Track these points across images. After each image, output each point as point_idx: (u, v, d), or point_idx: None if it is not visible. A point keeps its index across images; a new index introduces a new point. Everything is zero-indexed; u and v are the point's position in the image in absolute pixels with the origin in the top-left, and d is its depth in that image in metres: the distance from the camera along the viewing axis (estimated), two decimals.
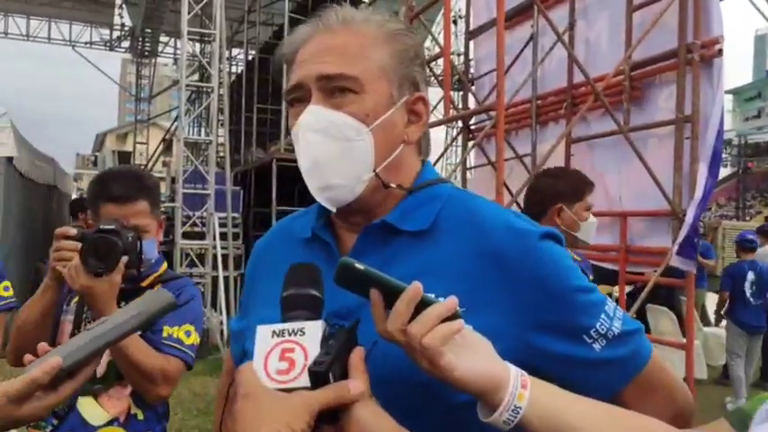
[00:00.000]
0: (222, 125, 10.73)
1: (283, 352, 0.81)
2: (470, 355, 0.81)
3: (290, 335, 0.82)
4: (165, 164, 17.20)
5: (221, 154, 12.12)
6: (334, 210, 1.03)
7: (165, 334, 1.83)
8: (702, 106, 4.71)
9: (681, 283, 5.08)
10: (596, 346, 0.98)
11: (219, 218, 9.29)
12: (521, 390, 0.82)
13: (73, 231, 1.73)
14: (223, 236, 9.26)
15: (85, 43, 18.97)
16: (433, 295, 0.83)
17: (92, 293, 1.67)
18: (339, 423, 0.79)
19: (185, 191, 9.20)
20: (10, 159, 8.34)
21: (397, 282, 0.83)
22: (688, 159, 4.74)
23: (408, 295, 0.80)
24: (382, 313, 0.82)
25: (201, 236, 9.27)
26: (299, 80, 1.01)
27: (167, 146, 17.06)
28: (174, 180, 10.80)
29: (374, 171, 1.00)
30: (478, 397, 0.82)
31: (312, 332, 0.82)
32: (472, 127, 6.79)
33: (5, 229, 8.22)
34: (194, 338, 1.89)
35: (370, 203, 1.03)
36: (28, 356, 1.02)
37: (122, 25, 18.75)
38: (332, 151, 0.99)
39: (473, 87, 7.14)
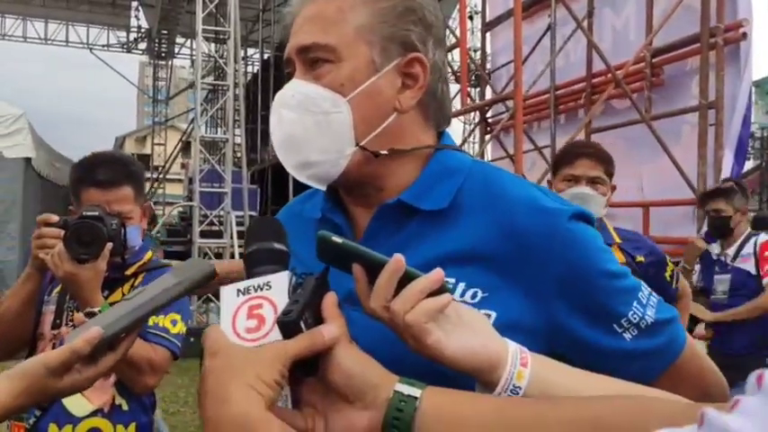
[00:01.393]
0: (239, 125, 10.73)
1: (251, 309, 0.75)
2: (463, 331, 0.74)
3: (255, 290, 0.76)
4: (182, 165, 17.31)
5: (238, 154, 12.16)
6: (323, 187, 0.96)
7: (150, 323, 1.78)
8: (727, 92, 4.59)
9: None
10: (627, 336, 0.89)
11: (237, 216, 9.29)
12: (520, 368, 0.74)
13: (55, 218, 1.68)
14: (241, 234, 9.26)
15: (103, 46, 19.14)
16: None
17: (76, 281, 1.63)
18: (320, 373, 0.73)
19: (202, 189, 9.21)
20: (29, 160, 8.41)
21: (379, 255, 0.75)
22: (712, 147, 4.62)
23: (389, 269, 0.73)
24: (366, 290, 0.75)
25: (219, 234, 9.28)
26: (286, 55, 0.96)
27: (184, 147, 17.16)
28: (191, 180, 10.84)
29: (357, 144, 0.92)
30: (474, 376, 0.75)
31: (279, 285, 0.76)
32: (489, 120, 6.71)
33: (25, 227, 8.28)
34: (180, 327, 1.85)
35: (366, 176, 0.95)
36: (64, 329, 0.98)
37: (139, 27, 18.91)
38: (307, 126, 0.91)
39: (490, 79, 7.06)
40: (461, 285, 0.86)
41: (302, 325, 0.71)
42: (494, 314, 0.84)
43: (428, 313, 0.72)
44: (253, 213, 10.35)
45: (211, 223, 9.38)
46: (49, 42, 18.92)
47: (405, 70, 0.94)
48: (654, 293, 0.93)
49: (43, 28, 18.68)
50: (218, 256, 9.28)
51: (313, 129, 0.91)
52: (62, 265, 1.63)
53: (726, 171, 4.48)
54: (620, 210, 4.60)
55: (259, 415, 0.66)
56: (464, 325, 0.75)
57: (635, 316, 0.89)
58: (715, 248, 3.86)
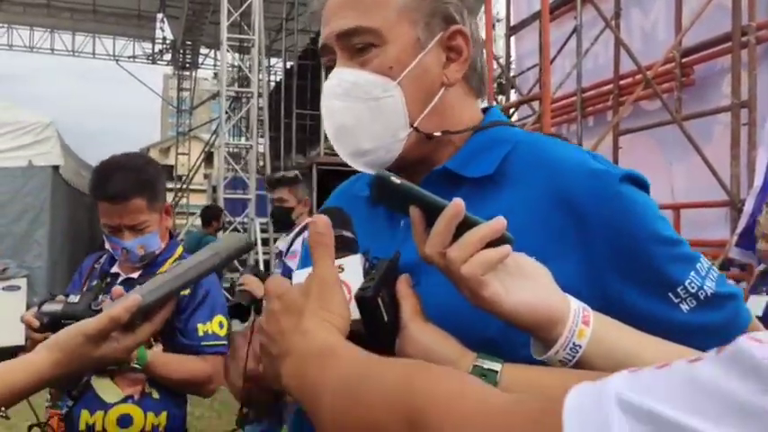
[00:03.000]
0: (262, 135, 10.80)
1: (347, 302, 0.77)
2: (523, 285, 0.71)
3: None
4: (206, 176, 17.45)
5: (261, 163, 12.23)
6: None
7: (200, 333, 1.87)
8: (760, 91, 4.49)
9: (742, 276, 4.84)
10: (684, 307, 0.84)
11: (260, 223, 9.32)
12: (582, 326, 0.71)
13: (36, 323, 1.57)
14: (264, 241, 9.29)
15: (128, 57, 19.41)
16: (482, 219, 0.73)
17: (89, 367, 1.65)
18: (398, 348, 0.75)
19: (226, 196, 9.27)
20: (56, 168, 8.51)
21: (438, 198, 0.73)
22: (746, 147, 4.53)
23: (449, 213, 0.70)
24: (423, 234, 0.73)
25: None
26: (323, 42, 0.95)
27: (207, 157, 17.31)
28: (214, 189, 10.92)
29: (412, 126, 0.91)
30: (532, 332, 0.72)
31: (351, 267, 0.79)
32: (515, 123, 6.66)
33: (53, 236, 8.38)
34: (227, 327, 1.94)
35: (420, 156, 0.94)
36: (106, 301, 0.99)
37: (164, 39, 19.15)
38: (359, 114, 0.90)
39: (516, 83, 7.01)
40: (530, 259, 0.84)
41: (379, 301, 0.73)
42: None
43: (485, 265, 0.69)
44: None
45: (235, 230, 9.43)
46: (76, 54, 19.25)
47: (448, 44, 0.93)
48: (714, 268, 0.87)
49: (71, 40, 19.01)
50: (242, 262, 9.31)
51: (365, 116, 0.90)
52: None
53: (760, 171, 4.37)
54: None
55: (339, 341, 0.68)
56: (525, 277, 0.72)
57: (692, 285, 0.83)
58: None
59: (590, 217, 0.84)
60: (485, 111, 1.01)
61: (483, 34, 5.85)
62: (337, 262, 0.78)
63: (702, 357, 0.40)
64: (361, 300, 0.73)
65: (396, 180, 0.74)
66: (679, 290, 0.83)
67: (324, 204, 1.15)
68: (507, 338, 0.77)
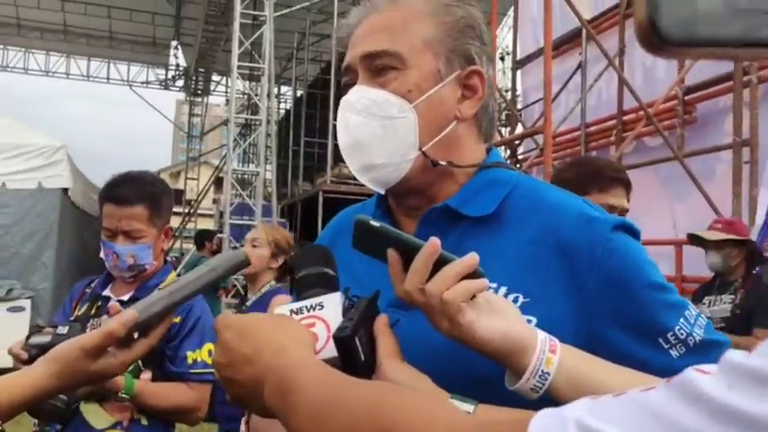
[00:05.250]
0: (269, 162, 10.90)
1: (305, 328, 0.80)
2: (495, 317, 0.76)
3: (308, 310, 0.82)
4: (214, 201, 17.55)
5: (269, 189, 12.30)
6: (382, 191, 1.00)
7: (189, 361, 1.89)
8: (762, 130, 4.53)
9: None
10: (674, 353, 0.86)
11: None
12: (549, 354, 0.75)
13: (24, 355, 1.56)
14: None
15: (142, 83, 19.71)
16: (457, 257, 0.77)
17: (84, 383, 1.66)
18: None
19: (233, 222, 9.32)
20: (65, 191, 8.60)
21: (415, 239, 0.78)
22: (747, 185, 4.54)
23: (426, 251, 0.75)
24: (400, 273, 0.77)
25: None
26: (347, 63, 0.99)
27: (216, 182, 17.42)
28: (221, 214, 10.98)
29: (420, 149, 0.95)
30: (503, 361, 0.76)
31: (331, 305, 0.81)
32: (519, 156, 6.71)
33: (60, 258, 8.43)
34: None
35: (422, 183, 0.98)
36: (103, 318, 1.01)
37: (177, 65, 19.44)
38: (374, 130, 0.94)
39: (521, 117, 7.08)
40: (503, 289, 0.87)
41: (357, 341, 0.76)
42: (534, 320, 0.84)
43: (466, 292, 0.74)
44: None
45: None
46: (91, 79, 19.54)
47: (465, 82, 0.98)
48: (702, 315, 0.90)
49: (86, 65, 19.31)
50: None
51: (379, 132, 0.94)
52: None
53: (761, 209, 4.38)
54: (652, 248, 4.52)
55: (315, 360, 0.73)
56: (494, 311, 0.76)
57: (682, 332, 0.86)
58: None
59: (583, 262, 0.87)
60: (487, 151, 1.05)
61: None
62: (318, 299, 0.81)
63: (655, 386, 0.44)
64: (340, 339, 0.76)
65: (375, 223, 0.79)
66: (669, 336, 0.86)
67: (327, 226, 1.19)
68: (492, 378, 0.80)
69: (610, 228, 0.89)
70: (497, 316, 0.76)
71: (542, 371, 0.74)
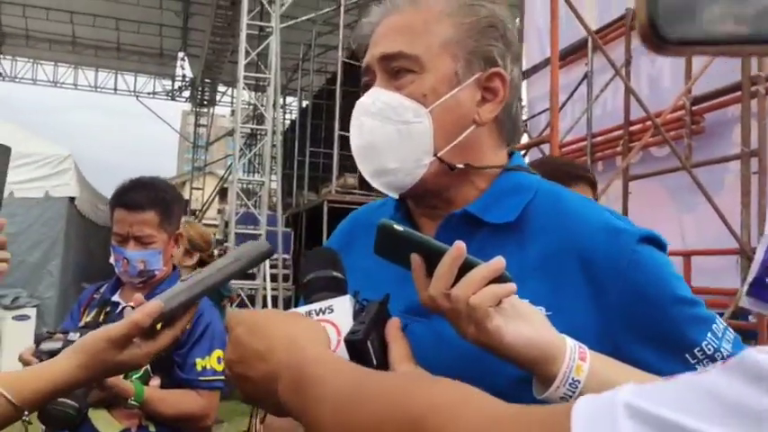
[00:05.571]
0: (275, 172, 10.93)
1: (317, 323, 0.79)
2: (522, 323, 0.73)
3: (317, 314, 0.80)
4: (219, 211, 17.59)
5: (274, 199, 12.33)
6: (396, 196, 0.97)
7: (198, 368, 1.88)
8: None
9: (752, 326, 4.77)
10: (700, 369, 0.84)
11: (270, 259, 9.34)
12: (579, 362, 0.72)
13: (35, 361, 1.53)
14: (273, 277, 9.29)
15: (149, 93, 19.83)
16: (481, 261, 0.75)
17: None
18: None
19: (237, 231, 9.32)
20: (72, 200, 8.63)
21: (439, 243, 0.76)
22: (756, 195, 4.52)
23: (451, 256, 0.73)
24: (424, 279, 0.75)
25: (252, 276, 9.32)
26: (366, 63, 0.97)
27: (221, 192, 17.46)
28: (226, 224, 10.99)
29: (435, 155, 0.92)
30: (531, 369, 0.74)
31: (341, 308, 0.80)
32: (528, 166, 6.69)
33: (66, 267, 8.44)
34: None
35: (439, 187, 0.95)
36: (127, 309, 1.01)
37: (183, 76, 19.56)
38: (388, 134, 0.92)
39: (527, 128, 7.07)
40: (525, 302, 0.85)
41: (369, 344, 0.74)
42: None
43: (494, 296, 0.72)
44: (286, 256, 10.41)
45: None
46: (98, 90, 19.68)
47: (485, 84, 0.95)
48: (730, 329, 0.87)
49: (93, 76, 19.44)
50: (251, 298, 9.31)
51: (393, 137, 0.92)
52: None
53: None
54: None
55: (333, 354, 0.72)
56: (521, 317, 0.74)
57: (709, 347, 0.83)
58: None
59: (606, 274, 0.85)
60: (510, 155, 1.01)
61: None
62: (327, 303, 0.80)
63: (707, 370, 0.42)
64: (351, 343, 0.74)
65: (398, 228, 0.77)
66: (696, 351, 0.83)
67: (340, 225, 1.16)
68: (505, 388, 0.78)
69: (636, 240, 0.86)
70: (524, 322, 0.73)
71: (573, 379, 0.72)
